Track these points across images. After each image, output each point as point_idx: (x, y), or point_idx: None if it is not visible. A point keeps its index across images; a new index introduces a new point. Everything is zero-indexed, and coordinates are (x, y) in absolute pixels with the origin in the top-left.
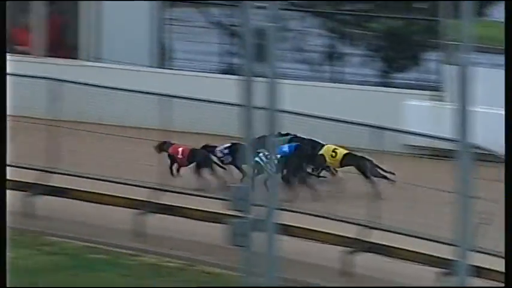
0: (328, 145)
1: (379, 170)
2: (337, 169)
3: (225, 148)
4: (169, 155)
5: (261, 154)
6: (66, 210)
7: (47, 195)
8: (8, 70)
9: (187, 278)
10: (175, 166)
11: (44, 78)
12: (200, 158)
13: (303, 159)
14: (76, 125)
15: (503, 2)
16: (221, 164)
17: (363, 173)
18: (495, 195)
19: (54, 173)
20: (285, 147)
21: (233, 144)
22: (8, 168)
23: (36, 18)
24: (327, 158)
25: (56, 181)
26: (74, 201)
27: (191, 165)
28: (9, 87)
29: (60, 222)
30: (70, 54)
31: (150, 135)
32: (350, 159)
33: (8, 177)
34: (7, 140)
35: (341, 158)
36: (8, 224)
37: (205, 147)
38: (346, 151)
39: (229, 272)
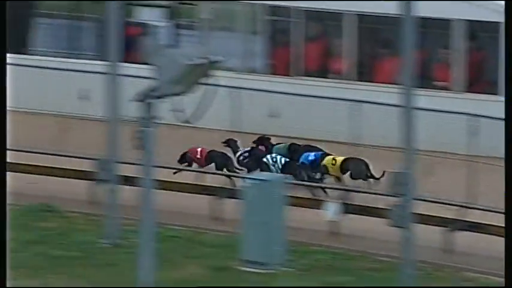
0: (328, 156)
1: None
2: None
3: (245, 152)
4: (188, 158)
5: (268, 156)
6: (484, 246)
7: (466, 230)
8: (425, 105)
9: None
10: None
11: (464, 114)
12: (219, 159)
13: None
14: (494, 161)
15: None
16: (238, 166)
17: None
18: None
19: (473, 208)
20: (312, 156)
21: (253, 148)
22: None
23: (457, 54)
24: (328, 168)
25: (474, 217)
26: (492, 236)
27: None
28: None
29: (478, 258)
30: (489, 89)
31: None
32: (348, 164)
33: (425, 212)
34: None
35: (340, 163)
36: (427, 259)
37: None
38: (343, 157)
39: None
